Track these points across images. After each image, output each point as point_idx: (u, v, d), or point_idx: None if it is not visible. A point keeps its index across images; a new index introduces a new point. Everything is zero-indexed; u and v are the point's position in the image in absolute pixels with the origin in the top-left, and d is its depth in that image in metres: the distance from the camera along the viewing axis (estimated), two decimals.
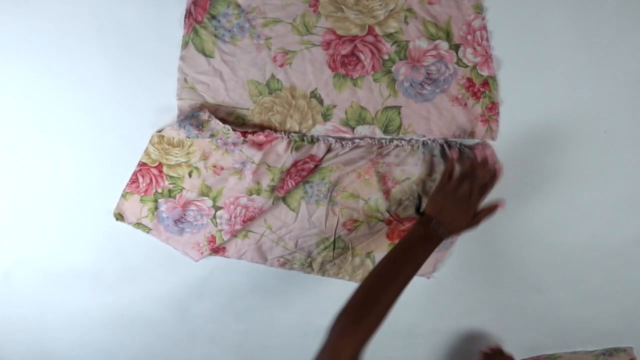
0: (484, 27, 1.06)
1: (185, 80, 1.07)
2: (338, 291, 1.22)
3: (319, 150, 1.11)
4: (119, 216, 1.18)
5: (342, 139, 1.11)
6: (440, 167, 1.12)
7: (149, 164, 1.13)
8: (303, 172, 1.11)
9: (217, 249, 1.22)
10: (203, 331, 1.33)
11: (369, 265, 1.23)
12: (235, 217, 1.15)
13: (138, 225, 1.19)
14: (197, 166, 1.13)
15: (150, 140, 1.11)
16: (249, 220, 1.15)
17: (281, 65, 1.07)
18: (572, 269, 1.25)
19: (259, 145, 1.10)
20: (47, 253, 1.22)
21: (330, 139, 1.11)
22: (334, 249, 1.21)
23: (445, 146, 1.11)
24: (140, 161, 1.13)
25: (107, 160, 1.13)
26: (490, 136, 1.11)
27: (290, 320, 1.30)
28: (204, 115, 1.08)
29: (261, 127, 1.10)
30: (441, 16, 1.05)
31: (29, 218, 1.19)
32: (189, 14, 1.03)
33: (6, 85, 1.09)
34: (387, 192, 1.14)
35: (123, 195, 1.16)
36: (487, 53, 1.07)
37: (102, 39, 1.06)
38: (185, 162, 1.12)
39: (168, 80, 1.07)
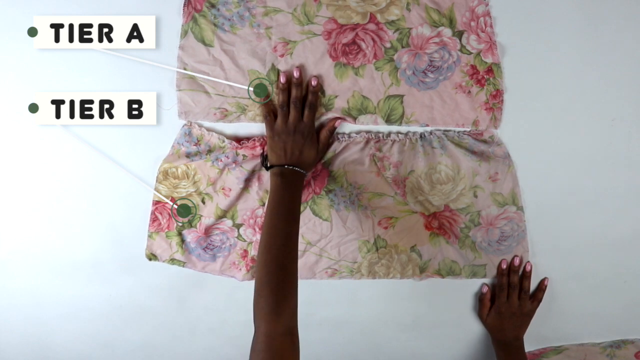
0: (488, 13, 1.09)
1: (185, 69, 1.11)
2: (340, 282, 1.29)
3: None
4: (152, 256, 1.24)
5: (336, 134, 1.15)
6: (442, 158, 1.16)
7: (163, 201, 1.20)
8: None
9: None
10: (203, 322, 1.36)
11: (417, 259, 1.26)
12: (258, 229, 1.22)
13: (172, 261, 1.25)
14: (208, 192, 1.19)
15: (157, 179, 1.18)
16: None
17: (282, 55, 1.10)
18: (579, 260, 1.28)
19: (257, 157, 1.15)
20: (45, 243, 1.25)
21: None
22: (377, 249, 1.25)
23: (446, 138, 1.16)
24: (153, 200, 1.20)
25: (105, 148, 1.17)
26: (494, 125, 1.15)
27: None
28: (196, 130, 1.15)
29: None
30: (444, 2, 1.08)
31: (26, 207, 1.22)
32: (188, 2, 1.07)
33: (4, 76, 1.12)
34: (403, 194, 1.18)
35: (150, 236, 1.23)
36: (491, 39, 1.10)
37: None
38: (195, 191, 1.19)
39: (167, 69, 1.11)
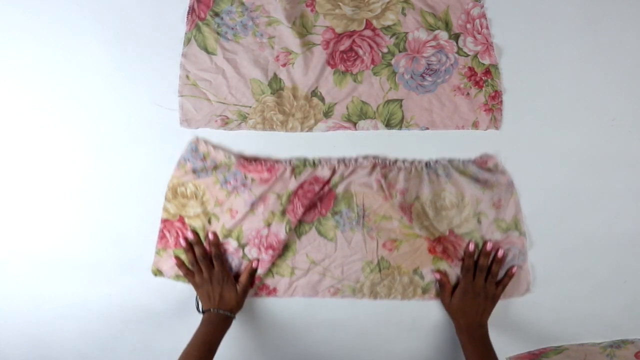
0: (483, 15, 1.11)
1: (187, 77, 1.13)
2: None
3: (322, 171, 1.17)
4: (158, 272, 1.27)
5: (343, 159, 1.17)
6: (447, 186, 1.18)
7: (171, 219, 1.22)
8: (310, 194, 1.17)
9: (269, 291, 1.29)
10: None
11: (419, 282, 1.27)
12: (263, 248, 1.23)
13: (178, 277, 1.27)
14: (215, 212, 1.21)
15: (165, 197, 1.20)
16: (270, 248, 1.21)
17: (284, 65, 1.12)
18: (579, 260, 1.28)
19: (266, 181, 1.17)
20: (45, 243, 1.26)
21: (332, 160, 1.17)
22: (379, 270, 1.26)
23: (451, 168, 1.18)
24: (162, 218, 1.22)
25: (105, 151, 1.19)
26: (495, 125, 1.16)
27: (293, 312, 1.34)
28: (203, 146, 1.17)
29: (264, 124, 1.16)
30: (439, 6, 1.10)
31: (26, 208, 1.23)
32: (192, 10, 1.09)
33: (5, 77, 1.15)
34: (409, 219, 1.19)
35: (157, 252, 1.25)
36: (487, 41, 1.12)
37: (103, 35, 1.11)
38: (203, 211, 1.21)
39: (170, 77, 1.13)
